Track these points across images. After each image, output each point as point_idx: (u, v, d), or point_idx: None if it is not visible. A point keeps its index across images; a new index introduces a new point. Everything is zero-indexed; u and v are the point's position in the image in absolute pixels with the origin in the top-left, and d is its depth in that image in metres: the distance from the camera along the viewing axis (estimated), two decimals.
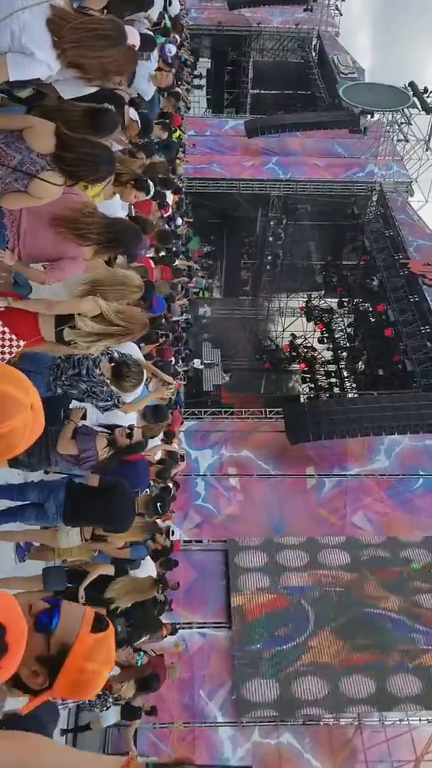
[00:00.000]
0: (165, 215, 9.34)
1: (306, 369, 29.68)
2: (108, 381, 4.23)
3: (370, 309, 26.11)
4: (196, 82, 32.42)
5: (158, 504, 6.06)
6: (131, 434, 4.72)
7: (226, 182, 25.78)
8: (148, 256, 7.62)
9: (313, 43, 33.54)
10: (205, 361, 25.28)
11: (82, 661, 1.83)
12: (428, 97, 25.39)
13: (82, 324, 3.44)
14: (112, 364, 4.28)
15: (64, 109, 3.18)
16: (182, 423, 15.42)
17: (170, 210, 9.75)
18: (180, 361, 16.76)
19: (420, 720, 12.85)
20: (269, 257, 28.32)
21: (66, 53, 2.89)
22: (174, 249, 12.99)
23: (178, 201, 13.97)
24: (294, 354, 30.46)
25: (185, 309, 21.08)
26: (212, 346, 26.24)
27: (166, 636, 8.89)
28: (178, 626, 11.24)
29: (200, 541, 15.34)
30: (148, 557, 6.98)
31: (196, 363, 24.73)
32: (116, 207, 5.22)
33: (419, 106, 25.46)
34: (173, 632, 10.11)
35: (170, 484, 10.14)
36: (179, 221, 14.82)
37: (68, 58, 2.91)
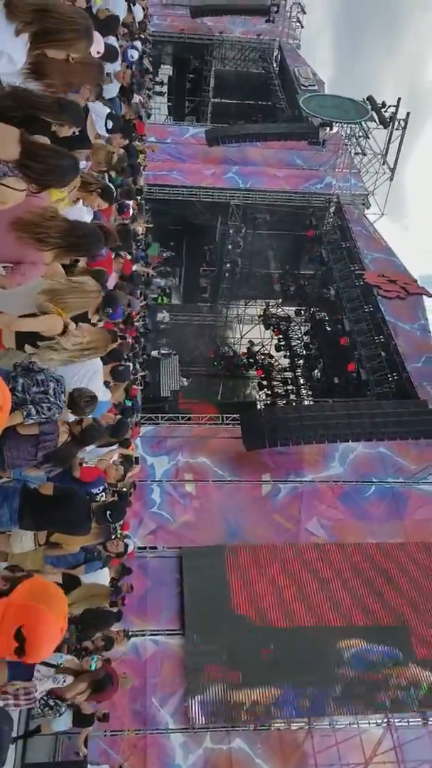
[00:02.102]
0: (125, 219, 9.31)
1: (263, 376, 29.88)
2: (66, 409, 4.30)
3: (327, 318, 26.49)
4: (157, 89, 32.42)
5: (109, 512, 6.08)
6: (80, 421, 4.73)
7: (186, 190, 25.87)
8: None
9: (275, 54, 33.95)
10: (162, 351, 25.20)
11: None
12: (386, 111, 25.94)
13: (65, 342, 3.43)
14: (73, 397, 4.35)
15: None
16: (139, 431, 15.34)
17: (131, 214, 9.70)
18: (137, 366, 16.70)
19: (369, 723, 13.05)
20: (228, 265, 28.48)
21: (33, 45, 2.79)
22: (134, 253, 13.00)
23: (138, 206, 13.94)
24: (251, 361, 30.62)
25: (144, 314, 21.08)
26: (172, 353, 26.24)
27: (122, 642, 8.80)
28: (131, 633, 11.12)
29: (155, 548, 15.25)
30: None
31: (154, 353, 24.63)
32: (81, 213, 5.21)
33: (377, 120, 25.97)
34: (127, 637, 10.00)
35: (126, 489, 10.09)
36: (139, 229, 14.80)
37: (34, 49, 2.81)
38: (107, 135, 7.30)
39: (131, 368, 10.23)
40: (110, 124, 7.31)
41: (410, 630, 14.04)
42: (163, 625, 13.75)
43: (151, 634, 13.52)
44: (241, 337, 32.71)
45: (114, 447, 8.10)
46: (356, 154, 26.99)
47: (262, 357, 30.64)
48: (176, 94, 36.37)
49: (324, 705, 12.83)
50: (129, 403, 10.78)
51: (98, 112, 7.36)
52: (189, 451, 17.44)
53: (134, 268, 12.53)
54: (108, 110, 7.80)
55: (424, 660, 13.58)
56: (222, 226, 27.96)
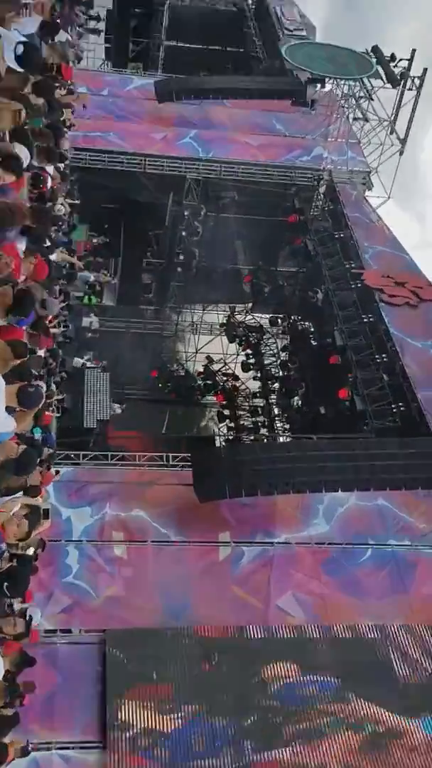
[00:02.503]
0: (39, 194, 9.09)
1: (225, 403, 29.93)
2: None
3: (312, 330, 26.58)
4: (91, 25, 32.36)
5: (5, 584, 5.96)
6: None
7: (128, 158, 25.94)
8: (16, 245, 7.48)
9: None
10: (87, 364, 25.15)
11: None
12: (395, 66, 26.24)
13: None
14: None
15: None
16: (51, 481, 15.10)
17: (48, 188, 9.51)
18: (53, 387, 16.40)
19: None
20: (181, 257, 28.46)
21: None
22: (52, 238, 12.70)
23: (61, 177, 13.81)
24: (209, 383, 30.65)
25: (64, 319, 20.78)
26: (99, 368, 26.05)
27: (10, 762, 8.54)
28: (31, 747, 10.72)
29: (69, 632, 14.89)
30: None
31: (76, 362, 24.58)
32: None
33: (384, 77, 26.33)
34: (25, 753, 9.68)
35: (30, 552, 9.78)
36: (60, 205, 14.61)
37: None
38: (19, 69, 7.27)
39: (44, 390, 9.92)
40: (20, 50, 7.18)
41: None
42: (78, 735, 13.38)
43: (60, 748, 13.14)
44: (197, 352, 32.71)
45: (17, 495, 7.96)
46: (356, 119, 27.47)
47: (224, 378, 30.71)
48: (117, 34, 36.58)
49: None
50: (39, 435, 10.41)
51: (7, 37, 7.22)
52: (120, 501, 17.17)
53: (53, 257, 12.26)
54: (22, 38, 7.65)
55: None
56: (174, 206, 28.00)
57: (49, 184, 9.69)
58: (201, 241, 28.39)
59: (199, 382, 31.13)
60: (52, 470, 14.79)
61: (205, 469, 16.79)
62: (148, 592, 15.66)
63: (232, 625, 15.35)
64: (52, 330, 15.41)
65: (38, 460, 9.08)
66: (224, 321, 31.23)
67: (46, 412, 12.47)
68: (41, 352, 11.63)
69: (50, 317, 12.00)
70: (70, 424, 22.58)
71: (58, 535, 15.98)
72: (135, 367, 30.66)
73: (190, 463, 17.55)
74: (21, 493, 8.16)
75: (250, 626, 15.38)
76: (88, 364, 25.73)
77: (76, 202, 22.15)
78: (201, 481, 16.56)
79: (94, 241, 29.56)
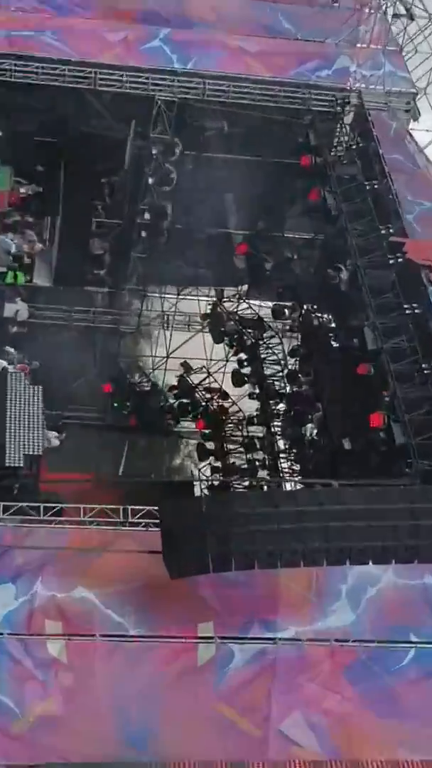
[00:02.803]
0: None
1: (208, 432, 29.85)
2: None
3: (332, 325, 26.75)
4: None
5: None
6: None
7: (71, 69, 26.19)
8: None
9: None
10: (10, 364, 25.43)
11: None
12: None
13: None
14: None
15: None
16: None
17: None
18: None
19: None
20: (147, 216, 28.66)
21: None
22: None
23: None
24: (186, 402, 30.60)
25: None
26: (28, 378, 26.08)
27: None
28: None
29: None
30: None
31: None
32: None
33: None
34: None
35: None
36: None
37: None
38: None
39: None
40: None
41: None
42: None
43: None
44: (168, 357, 32.70)
45: None
46: (397, 17, 27.58)
47: (208, 396, 30.67)
48: None
49: None
50: None
51: None
52: (57, 575, 17.28)
53: None
54: None
55: None
56: (137, 141, 28.18)
57: None
58: (175, 192, 28.71)
59: (172, 400, 31.10)
60: None
61: (179, 529, 16.79)
62: (97, 710, 15.72)
63: (218, 761, 15.47)
64: None
65: None
66: (208, 311, 31.23)
67: None
68: None
69: None
70: None
71: None
72: (79, 379, 30.92)
73: (157, 521, 17.63)
74: None
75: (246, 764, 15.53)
76: (11, 369, 25.79)
77: None
78: (173, 547, 16.63)
79: (22, 191, 29.73)
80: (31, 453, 23.86)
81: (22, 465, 23.53)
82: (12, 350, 26.91)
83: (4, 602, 16.82)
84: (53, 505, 19.51)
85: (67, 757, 15.30)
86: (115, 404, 31.15)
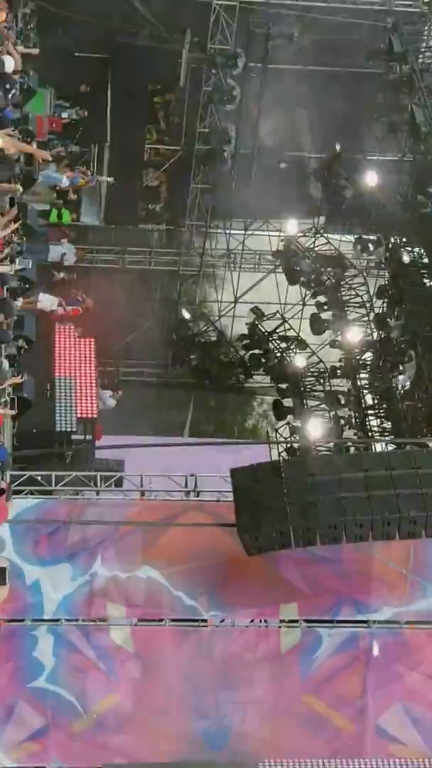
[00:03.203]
0: None
1: (285, 387, 29.79)
2: None
3: (425, 261, 26.53)
4: None
5: None
6: None
7: None
8: None
9: None
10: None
11: None
12: None
13: None
14: None
15: None
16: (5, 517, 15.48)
17: None
18: (4, 363, 16.72)
19: None
20: (209, 141, 28.57)
21: None
22: None
23: (6, 13, 14.11)
24: (259, 354, 30.57)
25: (18, 249, 21.06)
26: (74, 331, 26.15)
27: None
28: None
29: None
30: None
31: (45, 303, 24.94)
32: None
33: None
34: None
35: None
36: (10, 61, 14.89)
37: None
38: None
39: None
40: None
41: None
42: None
43: None
44: (236, 301, 32.72)
45: None
46: None
47: (283, 346, 30.59)
48: None
49: None
50: None
51: None
52: (119, 553, 17.51)
53: (2, 144, 12.63)
54: None
55: None
56: (194, 53, 28.08)
57: None
58: (239, 112, 28.67)
59: (242, 352, 31.07)
60: (5, 501, 15.08)
61: (256, 499, 16.89)
62: (167, 705, 16.03)
63: (306, 760, 15.51)
64: (0, 268, 15.76)
65: None
66: (280, 248, 31.13)
67: None
68: None
69: None
70: (33, 426, 22.97)
71: (19, 611, 16.29)
72: (135, 328, 31.13)
73: (230, 490, 17.64)
74: None
75: (339, 761, 15.55)
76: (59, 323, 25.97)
77: (34, 50, 22.34)
78: (249, 519, 16.72)
79: (64, 116, 29.79)
80: (84, 416, 24.15)
81: (74, 429, 23.82)
82: (60, 302, 26.90)
83: (60, 585, 17.04)
84: (111, 473, 19.68)
85: (134, 758, 15.57)
86: (175, 358, 31.10)
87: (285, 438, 28.51)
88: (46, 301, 24.88)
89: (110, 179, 29.59)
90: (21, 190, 20.71)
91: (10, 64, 15.16)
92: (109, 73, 29.42)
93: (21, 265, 20.42)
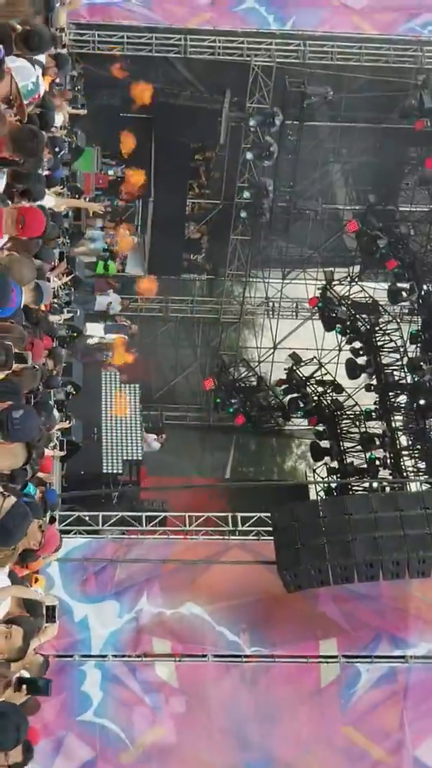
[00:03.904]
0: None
1: (322, 430, 29.78)
2: None
3: None
4: None
5: None
6: None
7: (159, 38, 26.25)
8: None
9: None
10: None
11: None
12: None
13: None
14: None
15: None
16: (59, 546, 15.35)
17: (41, 93, 9.83)
18: (53, 412, 16.72)
19: None
20: (246, 194, 28.65)
21: None
22: (47, 170, 13.11)
23: (55, 75, 14.07)
24: (297, 397, 30.54)
25: (67, 299, 21.19)
26: (119, 377, 26.21)
27: None
28: None
29: None
30: None
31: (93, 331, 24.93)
32: None
33: None
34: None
35: (26, 676, 10.07)
36: (59, 117, 14.88)
37: None
38: None
39: (40, 417, 10.27)
40: None
41: None
42: None
43: None
44: (275, 348, 32.76)
45: (4, 582, 8.25)
46: None
47: (320, 390, 30.54)
48: None
49: None
50: (34, 492, 10.85)
51: None
52: (164, 591, 17.51)
53: (48, 202, 12.65)
54: None
55: None
56: (234, 112, 28.21)
57: (41, 84, 9.74)
58: (276, 167, 28.59)
59: (281, 396, 31.05)
60: (56, 527, 15.08)
61: (295, 537, 16.87)
62: (212, 738, 15.95)
63: None
64: (50, 318, 15.75)
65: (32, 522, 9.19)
66: (318, 294, 31.14)
67: (45, 451, 12.81)
68: (42, 359, 12.04)
69: (44, 304, 12.40)
70: (81, 468, 23.05)
71: (68, 647, 16.32)
72: (178, 374, 31.24)
73: (270, 529, 17.74)
74: (4, 575, 8.37)
75: None
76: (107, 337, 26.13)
77: (82, 111, 22.48)
78: (289, 557, 16.73)
79: (111, 173, 30.00)
80: (130, 458, 24.18)
81: (121, 471, 23.86)
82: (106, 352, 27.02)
83: (108, 621, 17.07)
84: (156, 513, 19.70)
85: None
86: (218, 401, 31.03)
87: (322, 478, 28.56)
88: (94, 331, 25.07)
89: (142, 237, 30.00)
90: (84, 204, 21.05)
91: (57, 118, 15.12)
92: (153, 132, 29.47)
93: (69, 314, 20.59)
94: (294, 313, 33.45)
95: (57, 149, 15.81)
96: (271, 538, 17.40)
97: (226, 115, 28.52)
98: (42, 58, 10.49)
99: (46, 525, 10.88)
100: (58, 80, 14.73)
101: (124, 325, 27.04)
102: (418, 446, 27.89)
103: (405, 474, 27.54)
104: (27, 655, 8.45)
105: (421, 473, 27.14)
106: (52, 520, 13.91)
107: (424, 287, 28.00)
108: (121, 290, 29.88)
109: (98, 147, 28.69)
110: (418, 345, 28.24)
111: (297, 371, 30.61)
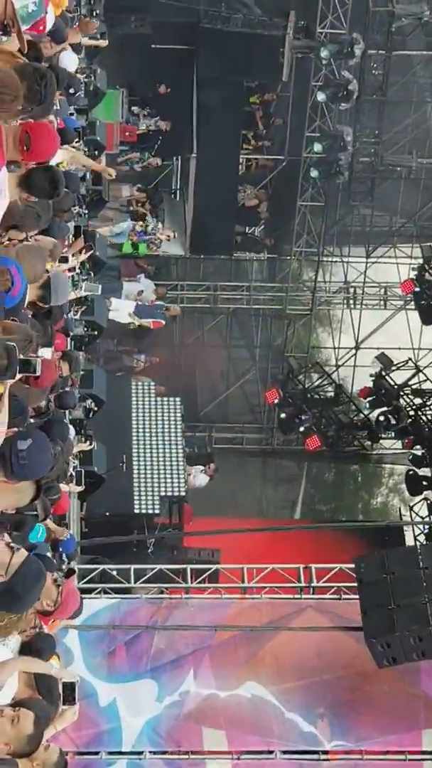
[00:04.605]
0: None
1: (421, 455, 29.70)
2: None
3: None
4: None
5: None
6: None
7: None
8: None
9: None
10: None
11: None
12: None
13: None
14: None
15: None
16: (79, 608, 15.44)
17: (48, 19, 9.93)
18: (68, 433, 16.82)
19: None
20: (319, 146, 28.70)
21: None
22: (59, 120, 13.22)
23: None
24: (388, 411, 30.52)
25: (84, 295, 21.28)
26: (155, 388, 26.30)
27: None
28: None
29: None
30: None
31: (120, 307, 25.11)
32: None
33: None
34: None
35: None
36: (71, 57, 15.00)
37: None
38: None
39: (55, 446, 10.36)
40: None
41: None
42: None
43: None
44: (357, 348, 32.78)
45: (11, 657, 8.35)
46: None
47: (417, 401, 30.52)
48: None
49: None
50: (40, 538, 10.92)
51: None
52: (215, 667, 17.54)
53: (61, 158, 12.71)
54: None
55: None
56: (298, 40, 28.25)
57: (45, 6, 9.78)
58: (358, 111, 28.85)
59: (366, 410, 31.05)
60: (75, 583, 15.15)
61: (387, 595, 16.80)
62: None
63: None
64: (67, 316, 15.81)
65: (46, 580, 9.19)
66: (413, 277, 31.15)
67: (61, 487, 12.85)
68: (57, 368, 12.13)
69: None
70: (106, 507, 23.15)
71: (92, 740, 16.41)
72: (231, 383, 31.38)
73: (354, 584, 17.69)
74: (13, 645, 8.55)
75: None
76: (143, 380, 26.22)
77: (102, 42, 22.56)
78: (379, 621, 16.67)
79: (142, 127, 30.11)
80: (169, 494, 24.20)
81: (157, 511, 23.87)
82: (140, 355, 27.18)
83: (143, 707, 17.15)
84: (205, 566, 19.70)
85: None
86: (282, 416, 31.06)
87: (422, 518, 28.47)
88: (122, 308, 25.20)
89: (171, 234, 30.02)
90: (103, 167, 20.93)
91: (73, 62, 15.06)
92: (195, 68, 29.60)
93: (87, 291, 20.10)
94: (382, 302, 33.55)
95: (72, 90, 15.94)
96: (356, 596, 17.37)
97: (290, 44, 28.49)
98: None
99: (62, 580, 10.89)
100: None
101: (159, 310, 27.03)
102: None
103: None
104: (38, 749, 8.34)
105: None
106: (70, 572, 13.94)
107: None
108: (155, 275, 29.96)
109: (123, 89, 28.84)
110: None
111: (387, 378, 30.57)
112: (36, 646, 9.26)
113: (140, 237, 28.44)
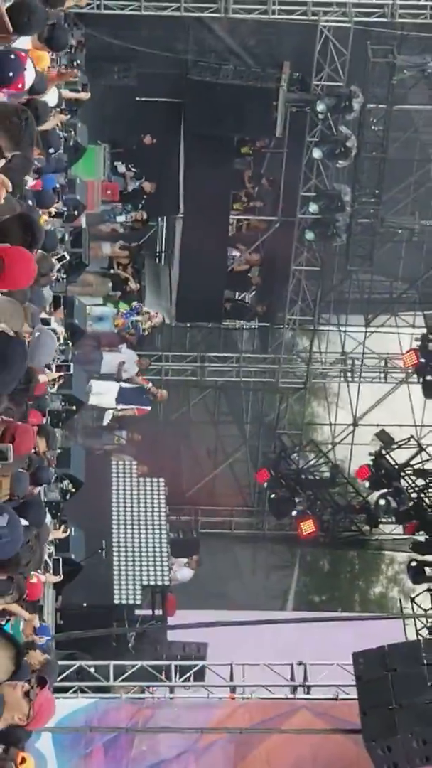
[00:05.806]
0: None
1: (425, 540, 29.69)
2: None
3: None
4: None
5: None
6: None
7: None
8: None
9: None
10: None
11: None
12: None
13: None
14: None
15: None
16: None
17: (28, 76, 10.05)
18: (45, 517, 16.89)
19: None
20: (315, 206, 28.90)
21: None
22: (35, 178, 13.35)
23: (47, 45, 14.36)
24: (388, 493, 30.53)
25: (63, 357, 21.31)
26: (137, 468, 26.31)
27: None
28: None
29: None
30: None
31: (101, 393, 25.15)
32: None
33: None
34: None
35: None
36: (52, 94, 15.11)
37: None
38: None
39: (30, 530, 10.46)
40: None
41: None
42: None
43: None
44: (355, 424, 32.86)
45: None
46: None
47: (420, 483, 30.56)
48: None
49: None
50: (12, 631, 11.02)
51: None
52: None
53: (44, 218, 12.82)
54: None
55: None
56: (293, 93, 28.46)
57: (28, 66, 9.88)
58: (356, 169, 29.02)
59: (364, 492, 31.09)
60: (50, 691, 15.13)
61: (388, 694, 16.91)
62: None
63: None
64: (47, 389, 15.91)
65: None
66: (416, 348, 31.28)
67: (32, 578, 12.91)
68: (37, 443, 12.21)
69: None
70: (83, 598, 23.17)
71: None
72: (219, 463, 31.37)
73: (352, 683, 17.73)
74: None
75: None
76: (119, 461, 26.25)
77: (83, 95, 22.72)
78: (379, 723, 16.74)
79: (130, 186, 30.22)
80: (152, 583, 24.22)
81: (139, 602, 23.88)
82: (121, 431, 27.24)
83: None
84: (190, 663, 19.72)
85: None
86: (272, 497, 31.11)
87: (425, 610, 28.48)
88: (105, 392, 25.33)
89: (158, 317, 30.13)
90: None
91: (53, 97, 15.00)
92: (182, 122, 29.80)
93: (63, 366, 19.99)
94: (382, 375, 33.64)
95: (51, 150, 16.02)
96: (354, 696, 17.41)
97: (284, 97, 28.69)
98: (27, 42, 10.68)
99: (35, 690, 10.88)
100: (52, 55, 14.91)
101: (145, 389, 27.10)
102: None
103: None
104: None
105: None
106: (42, 681, 13.87)
107: None
108: (138, 345, 30.04)
109: (106, 144, 29.02)
110: None
111: (387, 457, 30.66)
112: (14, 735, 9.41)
113: (127, 318, 28.59)
